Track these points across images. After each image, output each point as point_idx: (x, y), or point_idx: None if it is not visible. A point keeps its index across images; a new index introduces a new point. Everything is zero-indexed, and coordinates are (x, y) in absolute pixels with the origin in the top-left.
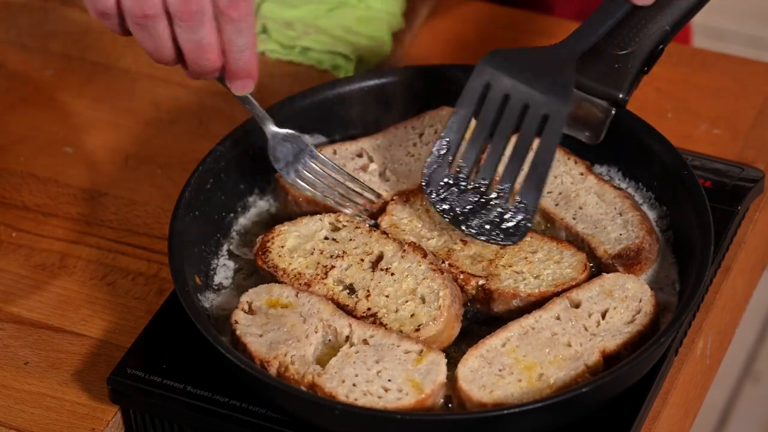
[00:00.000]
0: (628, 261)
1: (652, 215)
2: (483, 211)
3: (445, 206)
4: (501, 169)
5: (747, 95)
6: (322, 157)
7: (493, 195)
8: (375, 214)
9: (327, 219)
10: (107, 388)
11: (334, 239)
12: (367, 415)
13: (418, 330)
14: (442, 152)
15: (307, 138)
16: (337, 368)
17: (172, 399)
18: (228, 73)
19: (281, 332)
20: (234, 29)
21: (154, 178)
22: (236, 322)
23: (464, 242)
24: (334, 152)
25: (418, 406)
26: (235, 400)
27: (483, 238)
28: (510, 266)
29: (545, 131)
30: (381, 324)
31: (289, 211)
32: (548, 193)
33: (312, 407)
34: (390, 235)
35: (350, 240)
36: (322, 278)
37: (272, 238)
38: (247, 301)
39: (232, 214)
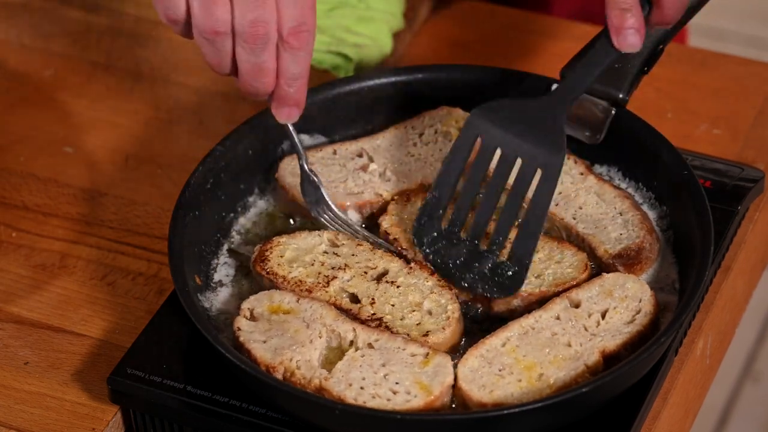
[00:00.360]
0: (628, 261)
1: (652, 215)
2: (476, 264)
3: (437, 260)
4: (493, 222)
5: (747, 95)
6: (336, 211)
7: (486, 248)
8: (375, 213)
9: (326, 235)
10: (107, 388)
11: (335, 253)
12: (367, 415)
13: (426, 336)
14: (432, 206)
15: (325, 192)
16: (344, 372)
17: (172, 399)
18: (276, 99)
19: (285, 338)
20: (292, 57)
21: (154, 178)
22: (239, 329)
23: None
24: (334, 152)
25: (427, 408)
26: (235, 400)
27: (478, 291)
28: None
29: (539, 184)
30: (387, 328)
31: (289, 210)
32: None
33: (312, 407)
34: (392, 236)
35: (352, 255)
36: (324, 286)
37: (270, 248)
38: (249, 308)
39: (232, 214)
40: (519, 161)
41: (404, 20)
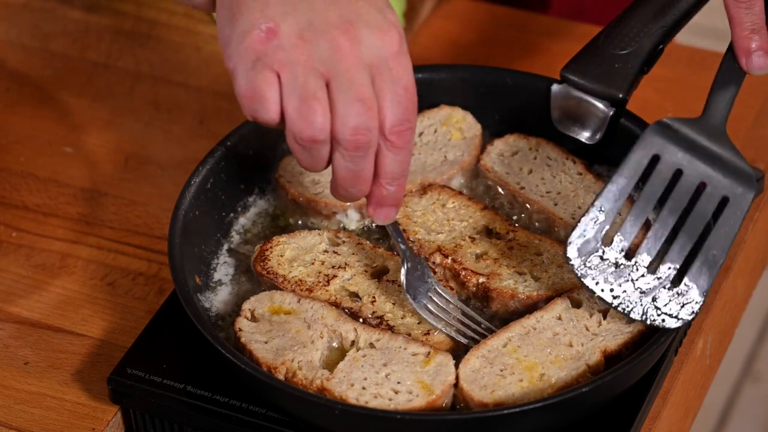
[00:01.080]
0: None
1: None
2: (642, 293)
3: (594, 282)
4: (664, 248)
5: (747, 95)
6: (446, 295)
7: (655, 276)
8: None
9: (326, 234)
10: (107, 388)
11: (335, 252)
12: (366, 414)
13: (427, 334)
14: (596, 222)
15: (431, 275)
16: (346, 372)
17: (172, 399)
18: (373, 201)
19: (286, 338)
20: (393, 156)
21: (154, 178)
22: (240, 330)
23: (472, 239)
24: None
25: (429, 407)
26: (235, 400)
27: (646, 321)
28: (513, 267)
29: (724, 215)
30: (388, 326)
31: (289, 210)
32: (547, 192)
33: (312, 407)
34: (402, 227)
35: (353, 254)
36: (324, 285)
37: (270, 247)
38: (250, 309)
39: (232, 214)
40: (700, 187)
41: (404, 20)
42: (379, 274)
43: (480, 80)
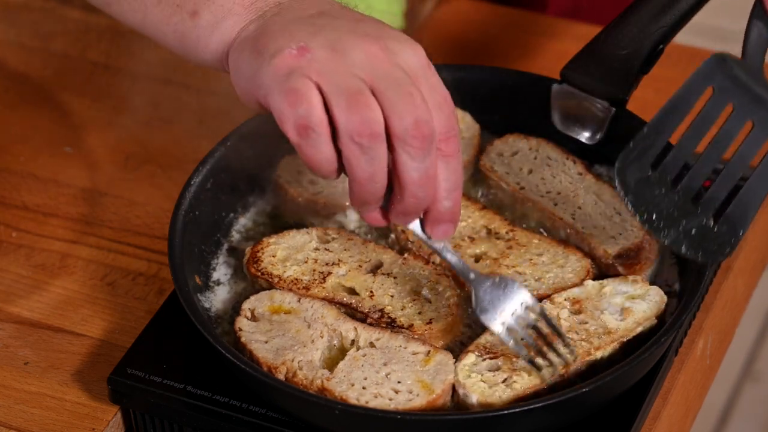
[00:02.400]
0: (628, 260)
1: None
2: (684, 221)
3: (640, 206)
4: (709, 180)
5: None
6: (539, 307)
7: (696, 207)
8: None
9: (315, 232)
10: (107, 388)
11: (326, 249)
12: (366, 414)
13: (429, 323)
14: (645, 146)
15: (519, 286)
16: (346, 372)
17: (172, 399)
18: (431, 216)
19: (286, 338)
20: (446, 165)
21: (154, 178)
22: (240, 330)
23: (471, 239)
24: None
25: (429, 406)
26: (235, 400)
27: (682, 250)
28: (513, 267)
29: (766, 158)
30: (390, 318)
31: (289, 211)
32: (547, 192)
33: (312, 407)
34: (401, 228)
35: (345, 249)
36: (320, 282)
37: (261, 249)
38: (250, 308)
39: (232, 214)
40: (750, 123)
41: (404, 20)
42: (373, 268)
43: (480, 80)
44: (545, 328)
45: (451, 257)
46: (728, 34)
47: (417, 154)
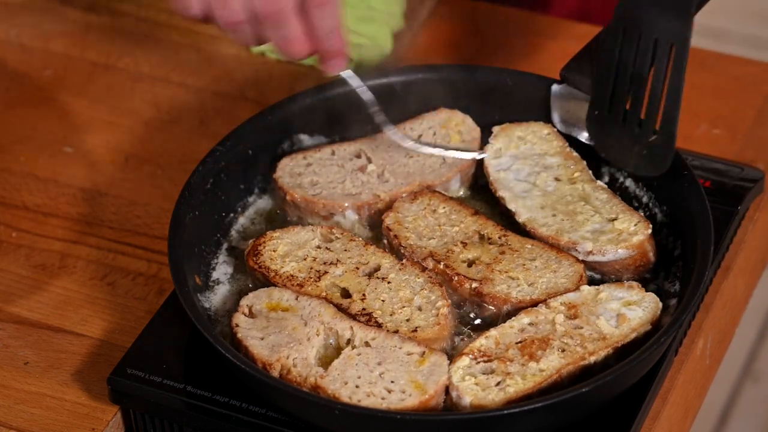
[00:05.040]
0: (627, 263)
1: (651, 215)
2: (637, 146)
3: (607, 149)
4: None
5: (747, 95)
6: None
7: (639, 130)
8: (381, 210)
9: (319, 230)
10: (107, 388)
11: (327, 248)
12: (366, 414)
13: (414, 331)
14: (601, 100)
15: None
16: (340, 370)
17: (172, 399)
18: (321, 57)
19: (282, 335)
20: (320, 14)
21: (154, 178)
22: (237, 326)
23: (464, 244)
24: (333, 153)
25: (421, 407)
26: (235, 400)
27: (642, 172)
28: (506, 272)
29: (675, 56)
30: (377, 323)
31: (287, 212)
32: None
33: (311, 407)
34: (393, 233)
35: (345, 250)
36: (315, 281)
37: (263, 242)
38: (247, 305)
39: (232, 214)
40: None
41: (404, 20)
42: (371, 271)
43: (480, 80)
44: None
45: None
46: (728, 34)
47: (272, 26)
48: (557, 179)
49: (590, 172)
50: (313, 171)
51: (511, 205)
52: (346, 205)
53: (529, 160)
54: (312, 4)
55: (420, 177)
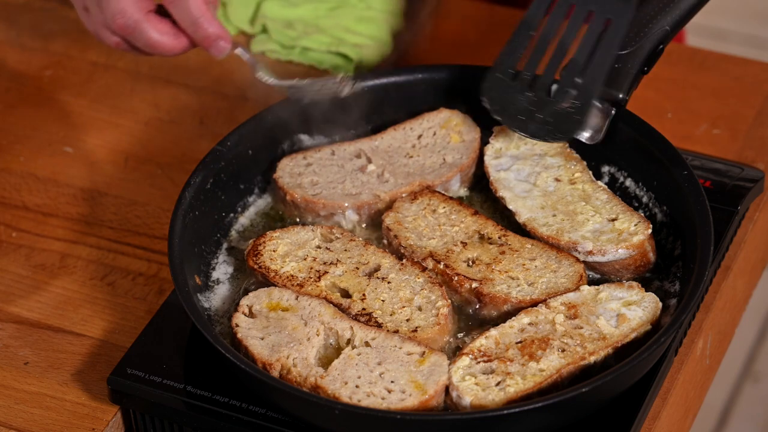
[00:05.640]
0: (627, 263)
1: (651, 215)
2: (542, 113)
3: (503, 111)
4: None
5: (747, 95)
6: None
7: (551, 96)
8: (381, 210)
9: (319, 230)
10: (107, 388)
11: (327, 248)
12: (366, 414)
13: (414, 332)
14: (507, 58)
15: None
16: (340, 370)
17: (172, 399)
18: (200, 46)
19: (282, 335)
20: (176, 11)
21: (154, 178)
22: (237, 326)
23: (464, 244)
24: (333, 153)
25: (421, 407)
26: (235, 400)
27: (544, 138)
28: (506, 272)
29: (608, 32)
30: (377, 323)
31: (287, 211)
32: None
33: (312, 407)
34: (393, 233)
35: (345, 250)
36: (315, 281)
37: (264, 242)
38: (247, 305)
39: (232, 214)
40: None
41: (404, 20)
42: (371, 271)
43: (480, 80)
44: None
45: (247, 57)
46: (728, 34)
47: (130, 37)
48: (557, 179)
49: (590, 172)
50: (313, 171)
51: (512, 205)
52: (346, 205)
53: (530, 161)
54: (166, 3)
55: (420, 177)
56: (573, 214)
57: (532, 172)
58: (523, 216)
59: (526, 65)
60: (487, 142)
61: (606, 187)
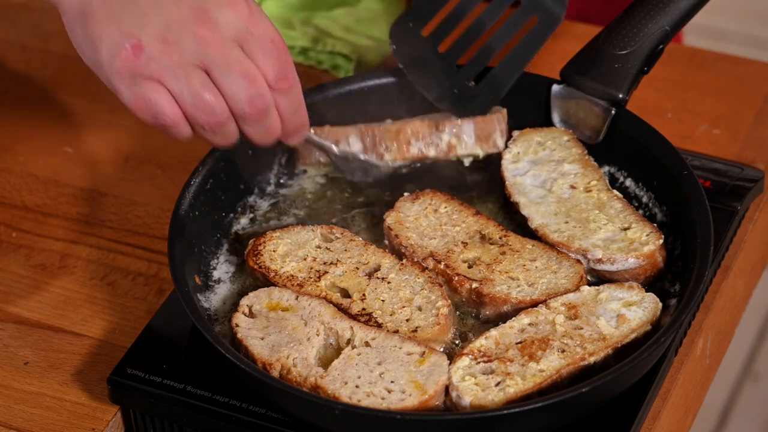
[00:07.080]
0: (637, 272)
1: (651, 215)
2: (448, 82)
3: (409, 64)
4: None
5: (747, 95)
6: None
7: (462, 68)
8: (387, 144)
9: (319, 230)
10: (107, 388)
11: (327, 248)
12: (366, 414)
13: (414, 332)
14: (420, 10)
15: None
16: (340, 370)
17: (172, 399)
18: (284, 134)
19: (283, 335)
20: (287, 99)
21: (154, 178)
22: (237, 326)
23: (465, 244)
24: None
25: (421, 407)
26: (235, 400)
27: (444, 106)
28: (506, 272)
29: (537, 28)
30: (377, 323)
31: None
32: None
33: (312, 407)
34: (394, 233)
35: (345, 250)
36: (315, 281)
37: (264, 242)
38: (247, 305)
39: (232, 214)
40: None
41: None
42: (371, 271)
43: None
44: None
45: (316, 142)
46: (728, 34)
47: (256, 123)
48: (573, 186)
49: (607, 180)
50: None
51: (525, 211)
52: (350, 131)
53: (547, 166)
54: (278, 92)
55: (429, 118)
56: (586, 222)
57: (549, 178)
58: (535, 222)
59: (439, 27)
60: (506, 147)
61: (621, 196)
